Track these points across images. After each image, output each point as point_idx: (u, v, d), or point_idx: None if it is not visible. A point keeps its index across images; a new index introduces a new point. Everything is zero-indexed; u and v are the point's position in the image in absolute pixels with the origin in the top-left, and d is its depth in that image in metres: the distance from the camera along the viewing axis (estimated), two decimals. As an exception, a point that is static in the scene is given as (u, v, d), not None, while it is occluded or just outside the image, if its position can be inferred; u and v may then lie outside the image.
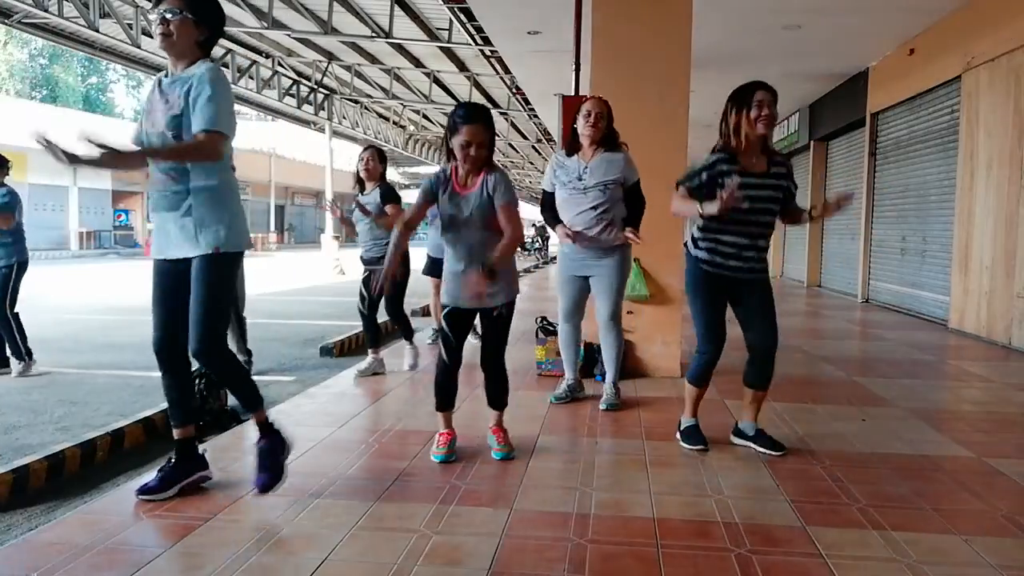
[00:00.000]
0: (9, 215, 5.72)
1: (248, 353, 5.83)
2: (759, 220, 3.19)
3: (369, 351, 5.14)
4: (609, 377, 4.23)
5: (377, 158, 5.10)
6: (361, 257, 5.16)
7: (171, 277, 2.74)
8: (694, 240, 3.32)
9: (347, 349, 7.13)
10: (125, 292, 13.87)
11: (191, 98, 2.55)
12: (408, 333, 5.33)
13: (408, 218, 3.21)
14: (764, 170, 3.19)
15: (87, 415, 4.70)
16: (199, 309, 2.64)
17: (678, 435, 3.54)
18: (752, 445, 3.39)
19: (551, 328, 5.02)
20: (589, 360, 4.93)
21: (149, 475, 3.11)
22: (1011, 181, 6.66)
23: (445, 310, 3.26)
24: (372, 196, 5.02)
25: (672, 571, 2.22)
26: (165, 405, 4.46)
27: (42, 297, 11.56)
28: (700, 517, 2.63)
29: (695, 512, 2.68)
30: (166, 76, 2.69)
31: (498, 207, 3.07)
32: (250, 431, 3.67)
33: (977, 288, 7.20)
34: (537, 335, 5.26)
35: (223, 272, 2.71)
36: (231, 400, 4.40)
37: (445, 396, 3.32)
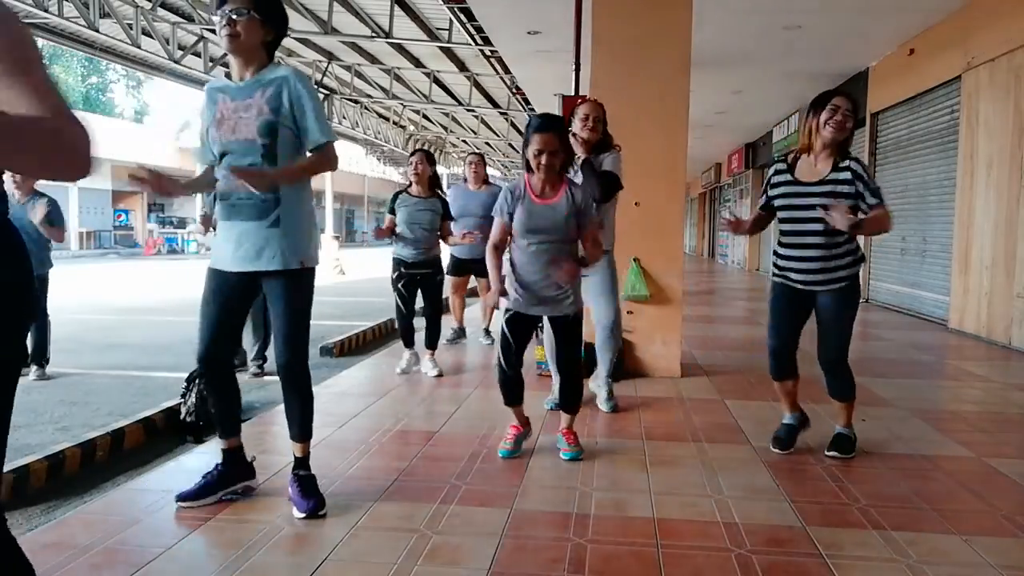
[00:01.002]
0: (61, 228, 5.67)
1: (264, 359, 5.83)
2: (805, 230, 3.18)
3: (406, 349, 5.24)
4: (603, 377, 4.21)
5: (426, 161, 5.22)
6: (403, 260, 5.15)
7: (233, 290, 2.66)
8: (774, 252, 3.43)
9: (347, 349, 7.13)
10: (125, 292, 13.88)
11: (295, 107, 2.53)
12: (435, 343, 5.29)
13: (496, 241, 3.21)
14: (822, 177, 3.15)
15: (87, 415, 4.70)
16: (290, 323, 2.64)
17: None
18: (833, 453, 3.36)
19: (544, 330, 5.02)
20: (589, 360, 4.92)
21: (149, 475, 3.13)
22: (1011, 181, 6.66)
23: (508, 314, 3.25)
24: (431, 204, 5.13)
25: (672, 571, 2.22)
26: (165, 405, 4.51)
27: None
28: (700, 517, 2.63)
29: (695, 512, 2.68)
30: (231, 82, 2.60)
31: (586, 223, 3.15)
32: (259, 432, 3.68)
33: (977, 288, 7.20)
34: (537, 335, 5.25)
35: (310, 286, 2.70)
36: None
37: (512, 394, 3.33)
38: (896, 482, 3.03)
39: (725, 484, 2.96)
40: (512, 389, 3.32)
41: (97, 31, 12.20)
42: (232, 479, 2.76)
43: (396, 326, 5.43)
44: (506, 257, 3.28)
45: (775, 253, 3.37)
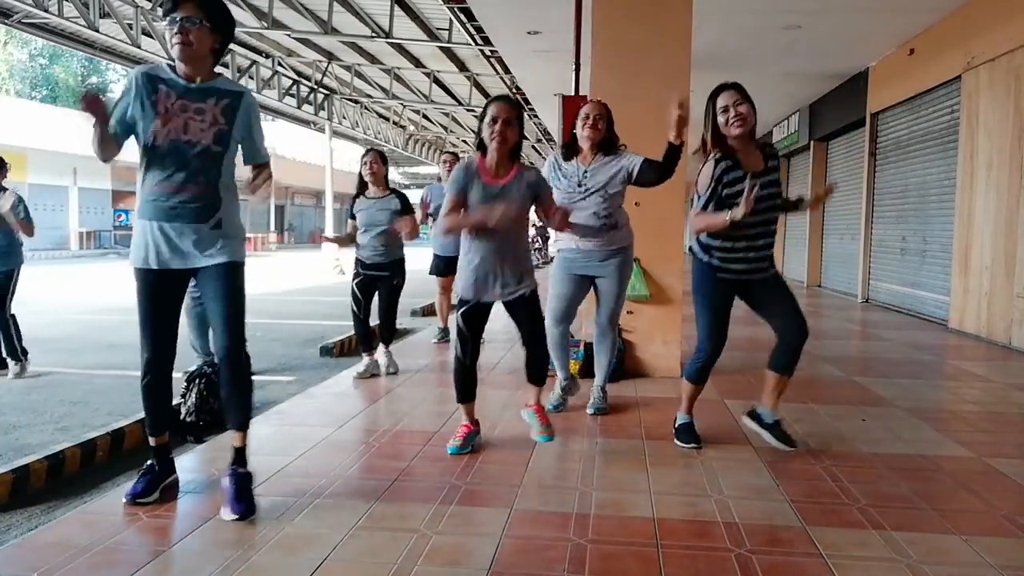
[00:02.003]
0: (31, 224, 5.79)
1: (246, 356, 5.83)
2: (765, 218, 3.19)
3: (364, 354, 5.13)
4: (598, 380, 4.17)
5: (380, 160, 5.13)
6: (361, 260, 5.11)
7: (169, 291, 2.71)
8: (701, 245, 3.30)
9: (347, 349, 7.13)
10: (125, 292, 13.88)
11: (251, 129, 2.72)
12: (389, 339, 5.24)
13: (449, 210, 3.19)
14: (763, 167, 3.18)
15: (87, 415, 4.70)
16: (232, 310, 2.70)
17: (673, 432, 3.55)
18: (763, 433, 3.37)
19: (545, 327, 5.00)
20: (589, 360, 4.92)
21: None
22: (1011, 181, 6.66)
23: (462, 306, 3.25)
24: (388, 203, 5.05)
25: (672, 571, 2.22)
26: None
27: (42, 297, 11.56)
28: (700, 517, 2.63)
29: (695, 512, 2.68)
30: (178, 78, 2.61)
31: (546, 200, 3.20)
32: (259, 432, 3.68)
33: (977, 288, 7.21)
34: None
35: (243, 279, 2.78)
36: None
37: (465, 388, 3.36)
38: (896, 482, 3.03)
39: (725, 484, 2.96)
40: (467, 383, 3.35)
41: (97, 31, 12.21)
42: (166, 473, 2.82)
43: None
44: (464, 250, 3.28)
45: (713, 248, 3.24)
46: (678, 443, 3.46)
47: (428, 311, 9.70)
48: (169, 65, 2.69)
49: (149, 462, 2.81)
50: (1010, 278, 6.64)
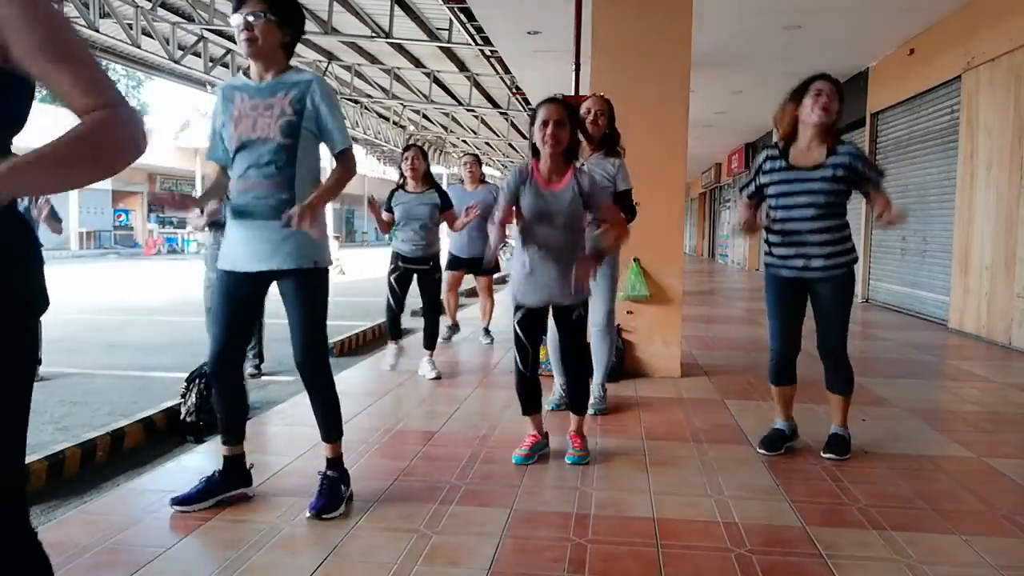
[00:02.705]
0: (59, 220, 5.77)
1: (261, 359, 5.84)
2: (812, 215, 3.13)
3: (391, 342, 5.23)
4: (597, 379, 4.17)
5: (421, 156, 5.21)
6: (400, 254, 5.13)
7: (246, 291, 2.65)
8: (764, 243, 3.34)
9: (347, 349, 7.13)
10: (125, 292, 13.87)
11: (319, 113, 2.56)
12: (434, 342, 5.24)
13: (500, 218, 3.11)
14: (818, 162, 3.12)
15: (87, 415, 4.70)
16: (303, 324, 2.63)
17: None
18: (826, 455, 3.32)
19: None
20: (588, 362, 4.92)
21: (149, 475, 3.12)
22: (1011, 181, 6.66)
23: (518, 314, 3.18)
24: (429, 198, 5.12)
25: (672, 571, 2.22)
26: (165, 405, 4.50)
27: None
28: (700, 517, 2.63)
29: (695, 512, 2.68)
30: (250, 81, 2.60)
31: (601, 205, 3.12)
32: (259, 432, 3.68)
33: (977, 288, 7.20)
34: (537, 335, 5.25)
35: (325, 286, 2.70)
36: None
37: (529, 399, 3.27)
38: (896, 482, 3.03)
39: (725, 484, 2.96)
40: (530, 394, 3.26)
41: (97, 31, 12.20)
42: (229, 486, 2.72)
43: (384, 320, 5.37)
44: (506, 257, 3.26)
45: (768, 244, 3.29)
46: (757, 449, 3.41)
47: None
48: (245, 72, 2.66)
49: (217, 470, 2.72)
50: (1010, 278, 6.64)
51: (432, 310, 5.26)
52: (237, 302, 2.66)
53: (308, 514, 2.56)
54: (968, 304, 7.39)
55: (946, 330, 7.71)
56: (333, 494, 2.64)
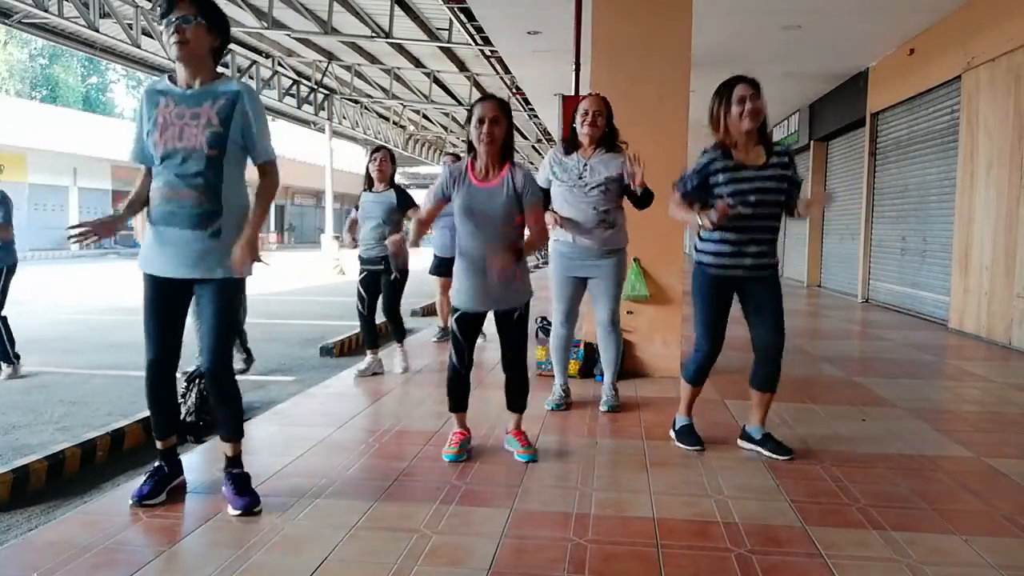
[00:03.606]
0: (7, 225, 5.70)
1: (248, 353, 5.85)
2: (760, 214, 3.14)
3: (368, 351, 5.14)
4: (608, 378, 4.21)
5: (389, 159, 5.17)
6: (360, 256, 5.15)
7: (171, 295, 2.66)
8: (699, 240, 3.29)
9: (347, 349, 7.13)
10: (125, 292, 13.87)
11: (245, 124, 2.58)
12: (400, 335, 5.29)
13: (423, 215, 3.20)
14: (763, 161, 3.14)
15: (87, 415, 4.70)
16: (216, 332, 2.64)
17: (672, 434, 3.54)
18: (758, 449, 3.36)
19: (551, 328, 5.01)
20: (589, 360, 4.93)
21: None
22: (1011, 181, 6.66)
23: (456, 313, 3.21)
24: (385, 197, 5.07)
25: (672, 571, 2.22)
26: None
27: (41, 297, 11.56)
28: (700, 517, 2.63)
29: (695, 512, 2.68)
30: (175, 87, 2.60)
31: (528, 205, 3.11)
32: (259, 432, 3.68)
33: (977, 288, 7.21)
34: (537, 335, 5.25)
35: (238, 295, 2.75)
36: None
37: (457, 398, 3.32)
38: (896, 482, 3.02)
39: (725, 484, 2.96)
40: (460, 390, 3.30)
41: (97, 31, 12.21)
42: (174, 475, 2.82)
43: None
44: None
45: (707, 241, 3.22)
46: (680, 445, 3.44)
47: (428, 311, 9.71)
48: (170, 77, 2.65)
49: (156, 463, 2.81)
50: (1010, 278, 6.64)
51: (389, 306, 5.14)
52: (162, 306, 2.68)
53: (235, 512, 2.58)
54: (968, 304, 7.40)
55: (946, 330, 7.71)
56: (250, 487, 2.69)
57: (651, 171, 4.23)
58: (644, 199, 3.88)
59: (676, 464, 3.24)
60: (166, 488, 2.76)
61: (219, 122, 2.55)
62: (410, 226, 3.18)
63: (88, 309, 10.60)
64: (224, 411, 2.76)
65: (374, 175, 5.11)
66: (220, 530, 2.49)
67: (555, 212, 3.94)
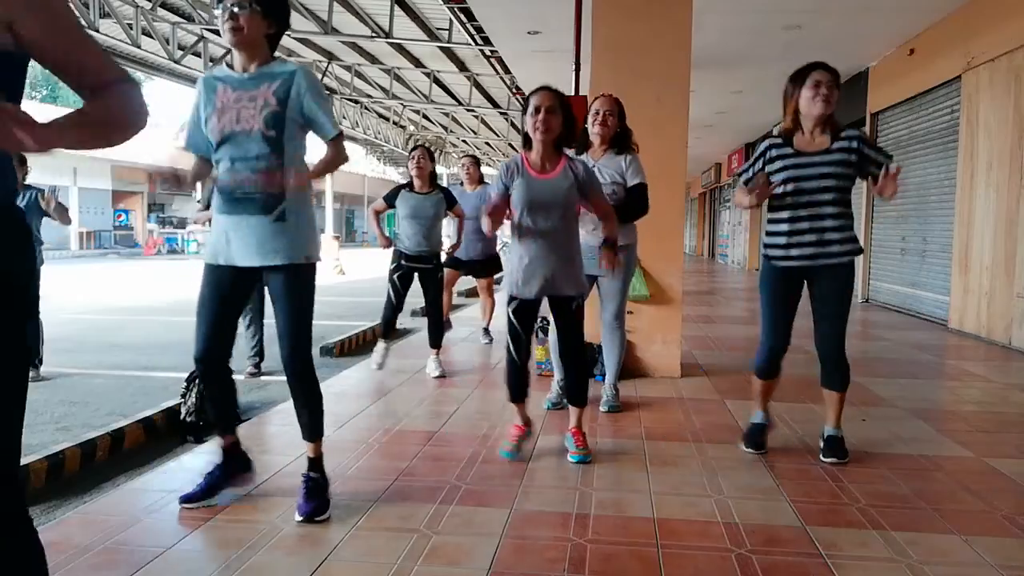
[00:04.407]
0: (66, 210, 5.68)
1: (261, 357, 5.84)
2: (816, 200, 3.11)
3: (382, 341, 5.23)
4: (609, 379, 4.22)
5: (427, 157, 5.24)
6: (406, 253, 5.14)
7: (233, 286, 2.63)
8: (764, 232, 3.30)
9: (347, 349, 7.13)
10: (125, 292, 13.87)
11: (304, 102, 2.53)
12: (439, 341, 5.26)
13: (490, 210, 3.12)
14: (826, 147, 3.12)
15: (87, 415, 4.70)
16: (293, 322, 2.62)
17: (744, 431, 3.50)
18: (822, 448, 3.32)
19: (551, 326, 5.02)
20: (589, 360, 4.92)
21: (149, 475, 3.12)
22: (1011, 181, 6.66)
23: (514, 303, 3.20)
24: (436, 199, 5.15)
25: (672, 571, 2.22)
26: (165, 405, 4.50)
27: (42, 297, 11.55)
28: (700, 517, 2.63)
29: (695, 512, 2.68)
30: (232, 72, 2.58)
31: (595, 195, 3.14)
32: (259, 432, 3.68)
33: (977, 288, 7.20)
34: (537, 335, 5.25)
35: (312, 282, 2.69)
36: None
37: (516, 388, 3.29)
38: (896, 482, 3.02)
39: (725, 484, 2.96)
40: (520, 382, 3.28)
41: (97, 31, 12.19)
42: (232, 474, 2.77)
43: (380, 317, 5.38)
44: (504, 248, 3.27)
45: (772, 234, 3.23)
46: (742, 447, 3.41)
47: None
48: (228, 64, 2.64)
49: (216, 463, 2.76)
50: (1010, 278, 6.64)
51: (435, 309, 5.27)
52: (223, 297, 2.64)
53: (298, 518, 2.54)
54: (968, 304, 7.40)
55: (946, 330, 7.71)
56: (320, 495, 2.62)
57: (651, 171, 4.24)
58: (633, 211, 3.92)
59: (676, 464, 3.24)
60: (219, 491, 2.70)
61: (276, 102, 2.51)
62: (483, 225, 3.12)
63: (89, 309, 10.60)
64: (299, 407, 2.70)
65: (414, 174, 5.18)
66: (220, 530, 2.49)
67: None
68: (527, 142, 3.14)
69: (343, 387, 4.80)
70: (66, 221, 5.74)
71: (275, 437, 3.61)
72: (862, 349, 6.67)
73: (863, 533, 2.51)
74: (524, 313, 3.21)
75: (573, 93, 7.08)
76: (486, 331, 6.59)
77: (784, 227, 3.17)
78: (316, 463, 2.72)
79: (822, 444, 3.34)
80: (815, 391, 4.74)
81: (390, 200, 5.21)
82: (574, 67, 6.98)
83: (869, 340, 7.25)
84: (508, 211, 3.14)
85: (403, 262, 5.15)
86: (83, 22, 1.22)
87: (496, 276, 6.69)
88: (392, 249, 5.26)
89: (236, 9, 2.46)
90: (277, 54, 2.64)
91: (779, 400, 4.26)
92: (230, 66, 2.62)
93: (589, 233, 3.94)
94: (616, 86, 4.81)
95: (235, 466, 2.80)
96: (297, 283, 2.62)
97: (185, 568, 2.24)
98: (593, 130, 3.93)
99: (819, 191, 3.11)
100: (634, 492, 2.88)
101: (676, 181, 5.15)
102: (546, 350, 4.98)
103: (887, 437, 3.70)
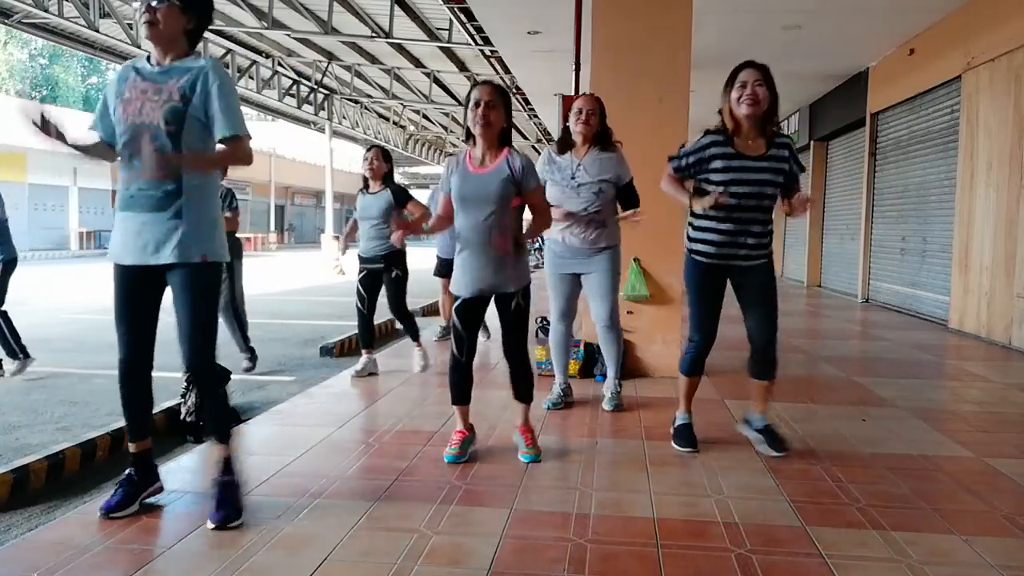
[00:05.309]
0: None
1: (252, 352, 5.85)
2: (753, 205, 3.12)
3: (363, 351, 5.15)
4: (610, 377, 4.22)
5: (381, 157, 5.15)
6: (360, 255, 5.15)
7: (141, 285, 2.56)
8: (689, 231, 3.29)
9: (347, 349, 7.13)
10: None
11: (206, 99, 2.46)
12: (415, 333, 5.32)
13: (441, 212, 3.15)
14: (762, 152, 3.12)
15: (87, 415, 4.70)
16: (195, 321, 2.55)
17: (672, 432, 3.53)
18: (757, 437, 3.36)
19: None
20: (589, 360, 4.93)
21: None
22: (1011, 181, 6.66)
23: (456, 302, 3.22)
24: (382, 196, 5.06)
25: (672, 571, 2.22)
26: (165, 405, 4.49)
27: (42, 297, 11.56)
28: (700, 517, 2.63)
29: (695, 512, 2.68)
30: (149, 63, 2.53)
31: (529, 191, 3.11)
32: (247, 434, 3.68)
33: (977, 288, 7.21)
34: (537, 335, 5.26)
35: (214, 282, 2.61)
36: (232, 399, 4.40)
37: (460, 390, 3.29)
38: (896, 482, 3.02)
39: (725, 484, 2.96)
40: (462, 382, 3.27)
41: (97, 31, 12.21)
42: (147, 483, 2.69)
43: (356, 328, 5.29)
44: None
45: (699, 230, 3.20)
46: (675, 446, 3.43)
47: (429, 311, 9.70)
48: (148, 57, 2.57)
49: (127, 471, 2.67)
50: (1010, 278, 6.64)
51: (397, 309, 5.20)
52: (132, 298, 2.59)
53: (210, 526, 2.46)
54: (968, 304, 7.40)
55: (946, 330, 7.71)
56: (235, 501, 2.54)
57: (651, 171, 4.24)
58: (634, 206, 4.01)
59: (676, 464, 3.24)
60: (139, 498, 2.63)
61: (180, 97, 2.44)
62: (434, 223, 3.15)
63: (88, 309, 10.60)
64: (205, 410, 2.67)
65: (367, 174, 5.13)
66: (220, 530, 2.49)
67: (560, 208, 3.95)
68: (469, 136, 3.14)
69: (343, 387, 4.80)
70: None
71: (275, 437, 3.61)
72: (862, 349, 6.67)
73: (863, 533, 2.51)
74: (466, 311, 3.20)
75: (573, 93, 7.07)
76: (484, 327, 6.60)
77: (723, 227, 3.14)
78: (228, 465, 2.62)
79: (758, 433, 3.38)
80: (815, 391, 4.76)
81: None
82: (574, 67, 6.98)
83: (869, 340, 7.25)
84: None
85: (362, 265, 5.13)
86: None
87: None
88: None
89: (154, 3, 2.43)
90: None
91: (779, 400, 4.27)
92: (150, 58, 2.57)
93: (565, 233, 3.95)
94: (616, 86, 4.82)
95: (150, 475, 2.71)
96: (193, 283, 2.53)
97: (185, 568, 2.24)
98: (576, 129, 3.92)
99: (756, 196, 3.11)
100: (634, 492, 2.88)
101: (676, 181, 5.14)
102: (546, 350, 4.98)
103: (887, 437, 3.70)
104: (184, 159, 2.47)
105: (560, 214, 3.91)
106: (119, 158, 2.55)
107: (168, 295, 2.61)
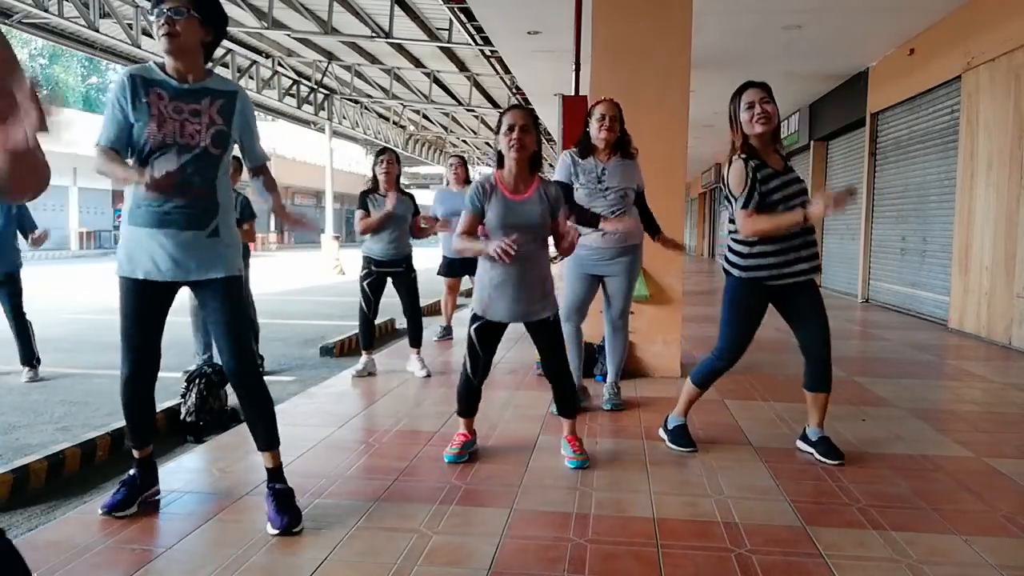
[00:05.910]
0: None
1: (259, 356, 5.85)
2: None
3: (363, 352, 5.16)
4: (611, 377, 4.23)
5: (395, 161, 5.16)
6: (373, 258, 5.08)
7: (160, 301, 2.59)
8: (738, 255, 3.18)
9: (347, 349, 7.13)
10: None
11: (243, 127, 2.61)
12: (419, 338, 5.25)
13: (464, 231, 3.06)
14: (782, 166, 3.14)
15: (87, 415, 4.70)
16: (234, 331, 2.58)
17: (663, 434, 3.52)
18: (812, 451, 3.32)
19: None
20: (589, 360, 4.93)
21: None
22: (1011, 181, 6.66)
23: (478, 323, 3.14)
24: (405, 202, 5.08)
25: (672, 571, 2.22)
26: (165, 405, 4.50)
27: (42, 297, 11.55)
28: (700, 517, 2.63)
29: (695, 512, 2.68)
30: (169, 79, 2.49)
31: (561, 216, 3.09)
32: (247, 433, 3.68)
33: (977, 288, 7.21)
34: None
35: (242, 291, 2.70)
36: (231, 399, 4.41)
37: (468, 406, 3.29)
38: (896, 482, 3.03)
39: (725, 484, 2.96)
40: (471, 401, 3.27)
41: (97, 31, 12.20)
42: (148, 485, 2.73)
43: (358, 328, 5.24)
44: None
45: (758, 255, 3.13)
46: (671, 447, 3.42)
47: (429, 311, 9.70)
48: (159, 65, 2.54)
49: (130, 472, 2.72)
50: (1010, 278, 6.64)
51: (414, 309, 5.20)
52: (151, 312, 2.60)
53: (274, 532, 2.45)
54: (968, 304, 7.40)
55: (946, 330, 7.71)
56: (292, 505, 2.54)
57: (651, 171, 4.25)
58: (651, 217, 4.19)
59: (676, 464, 3.24)
60: (138, 499, 2.66)
61: (223, 122, 2.52)
62: (463, 244, 3.06)
63: (89, 309, 10.60)
64: (253, 419, 2.64)
65: (381, 178, 5.07)
66: (220, 530, 2.49)
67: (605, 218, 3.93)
68: (500, 161, 3.09)
69: (343, 387, 4.80)
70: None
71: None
72: (862, 349, 6.67)
73: (863, 533, 2.51)
74: (487, 334, 3.15)
75: (573, 93, 7.07)
76: (448, 330, 6.80)
77: (784, 245, 3.08)
78: (277, 473, 2.64)
79: (812, 447, 3.35)
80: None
81: (364, 207, 5.08)
82: (574, 67, 6.98)
83: (869, 340, 7.25)
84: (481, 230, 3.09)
85: (373, 268, 5.08)
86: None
87: None
88: (361, 255, 5.19)
89: (173, 15, 2.41)
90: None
91: (779, 400, 4.28)
92: (164, 70, 2.52)
93: (594, 236, 3.95)
94: (616, 86, 4.82)
95: (151, 477, 2.75)
96: (233, 294, 2.61)
97: (185, 568, 2.24)
98: (599, 136, 3.90)
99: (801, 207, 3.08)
100: (634, 492, 2.88)
101: (676, 181, 5.15)
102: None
103: (887, 437, 3.70)
104: (284, 215, 2.86)
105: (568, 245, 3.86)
106: (155, 171, 2.46)
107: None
